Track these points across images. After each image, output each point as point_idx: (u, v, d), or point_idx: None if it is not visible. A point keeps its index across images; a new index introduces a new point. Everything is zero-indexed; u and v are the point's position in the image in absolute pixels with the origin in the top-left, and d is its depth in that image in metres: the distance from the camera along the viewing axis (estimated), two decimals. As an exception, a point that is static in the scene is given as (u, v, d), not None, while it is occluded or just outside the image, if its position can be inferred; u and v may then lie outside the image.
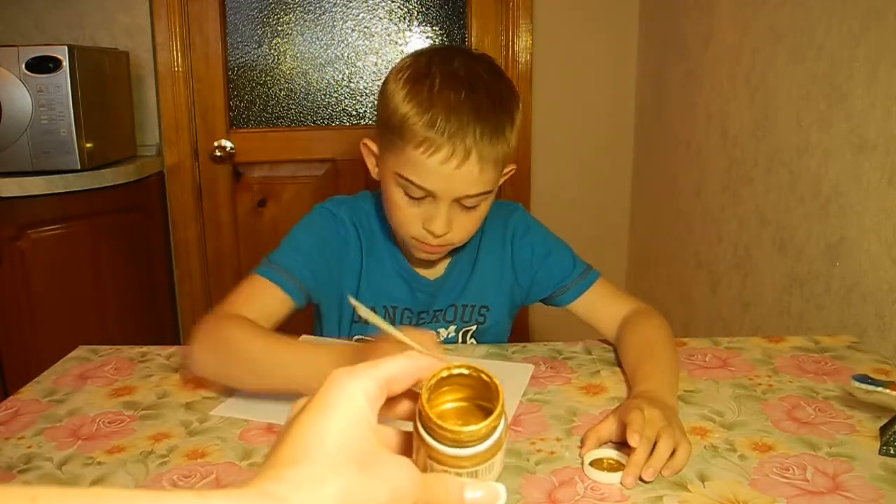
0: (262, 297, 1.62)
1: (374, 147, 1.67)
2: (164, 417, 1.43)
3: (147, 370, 1.66)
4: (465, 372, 0.70)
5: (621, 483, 1.15)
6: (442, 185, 1.53)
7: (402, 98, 1.53)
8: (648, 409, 1.25)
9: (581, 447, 1.27)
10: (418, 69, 1.56)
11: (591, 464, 1.20)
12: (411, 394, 0.73)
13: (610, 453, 1.23)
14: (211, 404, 1.48)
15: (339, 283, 1.75)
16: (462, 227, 1.61)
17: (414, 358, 0.71)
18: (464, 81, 1.53)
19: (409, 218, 1.60)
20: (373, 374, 0.67)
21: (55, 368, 1.68)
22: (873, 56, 1.90)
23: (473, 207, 1.59)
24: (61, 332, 2.95)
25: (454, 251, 1.77)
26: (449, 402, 0.73)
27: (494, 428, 0.67)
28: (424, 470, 0.68)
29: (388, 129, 1.56)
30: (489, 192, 1.58)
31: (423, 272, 1.80)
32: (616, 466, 1.19)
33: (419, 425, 0.68)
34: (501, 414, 0.68)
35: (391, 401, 0.72)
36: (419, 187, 1.54)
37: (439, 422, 0.66)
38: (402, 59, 1.62)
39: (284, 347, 1.45)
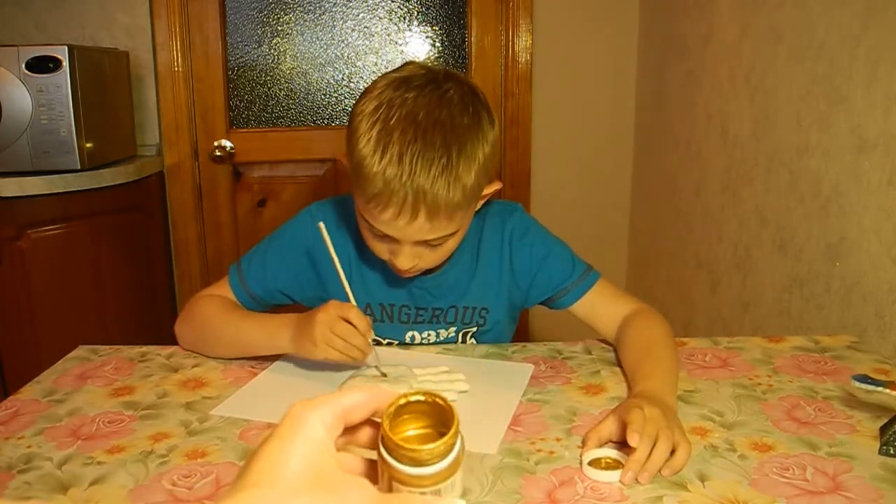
0: (226, 295, 1.81)
1: (349, 169, 1.60)
2: (164, 417, 1.43)
3: (147, 370, 1.66)
4: (422, 398, 0.75)
5: (620, 481, 1.16)
6: (399, 235, 1.52)
7: (361, 138, 1.49)
8: (649, 409, 1.25)
9: (582, 447, 1.27)
10: (380, 106, 1.51)
11: (589, 463, 1.20)
12: (372, 423, 0.77)
13: (609, 452, 1.23)
14: (211, 404, 1.48)
15: (324, 285, 1.76)
16: (430, 259, 1.61)
17: (370, 390, 0.76)
18: (420, 127, 1.47)
19: (376, 248, 1.61)
20: (330, 405, 0.73)
21: (55, 368, 1.68)
22: (873, 56, 1.90)
23: (439, 245, 1.58)
24: (61, 332, 2.95)
25: (455, 260, 1.76)
26: (411, 430, 0.76)
27: (452, 446, 0.72)
28: (389, 493, 0.73)
29: (350, 160, 1.54)
30: (451, 233, 1.56)
31: None
32: (614, 465, 1.19)
33: (382, 449, 0.72)
34: (457, 433, 0.73)
35: (353, 430, 0.78)
36: (378, 231, 1.54)
37: (400, 442, 0.70)
38: (376, 82, 1.57)
39: (245, 318, 1.70)
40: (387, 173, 1.44)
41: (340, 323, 1.47)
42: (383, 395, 0.76)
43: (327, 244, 1.51)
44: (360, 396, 0.75)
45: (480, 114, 1.56)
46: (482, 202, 1.66)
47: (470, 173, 1.49)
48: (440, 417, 0.75)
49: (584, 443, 1.27)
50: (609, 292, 1.78)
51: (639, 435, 1.17)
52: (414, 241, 1.54)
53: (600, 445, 1.27)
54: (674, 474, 1.18)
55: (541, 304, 1.86)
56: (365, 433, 0.78)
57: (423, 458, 0.70)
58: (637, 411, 1.24)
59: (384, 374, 1.52)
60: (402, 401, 0.74)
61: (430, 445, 0.70)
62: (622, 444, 1.24)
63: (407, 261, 1.56)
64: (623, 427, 1.24)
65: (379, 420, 0.74)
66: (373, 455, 0.76)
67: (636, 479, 1.16)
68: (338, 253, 1.52)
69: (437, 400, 0.75)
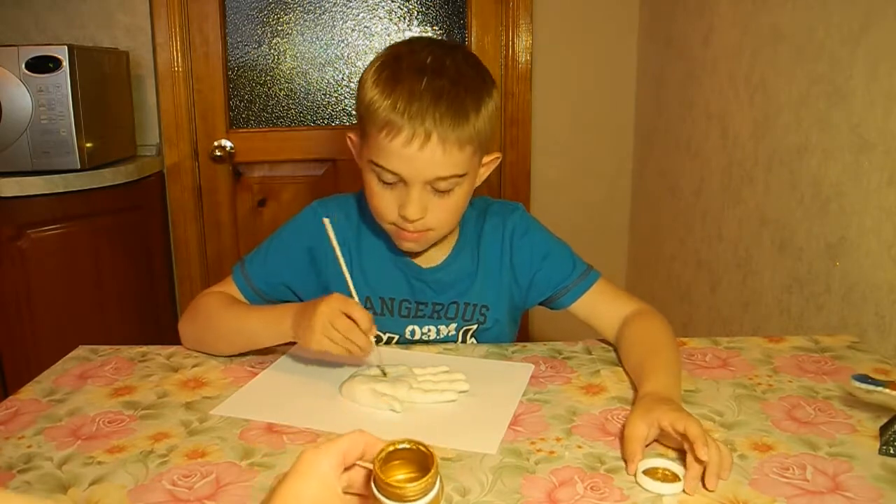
0: (231, 292, 1.81)
1: (355, 137, 1.71)
2: (164, 417, 1.43)
3: (147, 370, 1.66)
4: (407, 446, 0.89)
5: (684, 491, 1.15)
6: (408, 168, 1.54)
7: (370, 84, 1.58)
8: (692, 417, 1.24)
9: (626, 461, 1.24)
10: (388, 58, 1.61)
11: (644, 472, 1.18)
12: (362, 470, 0.93)
13: (662, 462, 1.21)
14: (211, 404, 1.48)
15: (325, 281, 1.77)
16: (437, 213, 1.61)
17: (360, 435, 0.92)
18: (428, 69, 1.57)
19: (385, 204, 1.62)
20: (333, 449, 0.89)
21: (55, 368, 1.68)
22: (873, 56, 1.90)
23: (447, 192, 1.60)
24: (61, 332, 2.95)
25: (455, 255, 1.80)
26: (401, 475, 0.90)
27: (432, 484, 0.86)
28: None
29: (360, 116, 1.62)
30: (461, 175, 1.59)
31: (416, 260, 1.79)
32: (671, 477, 1.18)
33: (374, 488, 0.86)
34: (436, 474, 0.87)
35: (350, 472, 0.93)
36: (388, 171, 1.56)
37: (389, 481, 0.85)
38: (382, 50, 1.66)
39: (246, 311, 1.71)
40: (398, 102, 1.52)
41: (341, 317, 1.47)
42: (371, 440, 0.92)
43: (331, 238, 1.52)
44: (354, 438, 0.91)
45: (484, 73, 1.67)
46: (484, 170, 1.72)
47: (477, 109, 1.57)
48: (423, 462, 0.89)
49: (626, 455, 1.25)
50: (609, 292, 1.78)
51: (705, 448, 1.16)
52: (424, 179, 1.55)
53: (643, 449, 1.25)
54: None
55: (541, 304, 1.86)
56: (360, 476, 0.93)
57: (407, 495, 0.85)
58: (693, 424, 1.21)
59: (385, 374, 1.53)
60: (391, 448, 0.89)
61: (413, 484, 0.85)
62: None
63: (416, 208, 1.57)
64: (657, 429, 1.25)
65: (370, 466, 0.88)
66: (366, 494, 0.93)
67: (703, 486, 1.16)
68: (340, 247, 1.52)
69: (420, 447, 0.89)
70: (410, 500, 0.85)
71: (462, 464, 1.24)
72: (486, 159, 1.69)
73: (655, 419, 1.26)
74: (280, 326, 1.59)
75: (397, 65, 1.58)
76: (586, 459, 1.25)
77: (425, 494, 0.86)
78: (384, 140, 1.53)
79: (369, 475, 0.90)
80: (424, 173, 1.55)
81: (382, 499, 0.85)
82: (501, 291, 1.82)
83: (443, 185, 1.58)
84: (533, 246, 1.81)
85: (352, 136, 1.73)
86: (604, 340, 1.77)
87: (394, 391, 1.45)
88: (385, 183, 1.59)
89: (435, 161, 1.53)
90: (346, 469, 0.92)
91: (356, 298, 1.53)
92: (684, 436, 1.20)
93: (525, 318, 3.69)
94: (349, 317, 1.47)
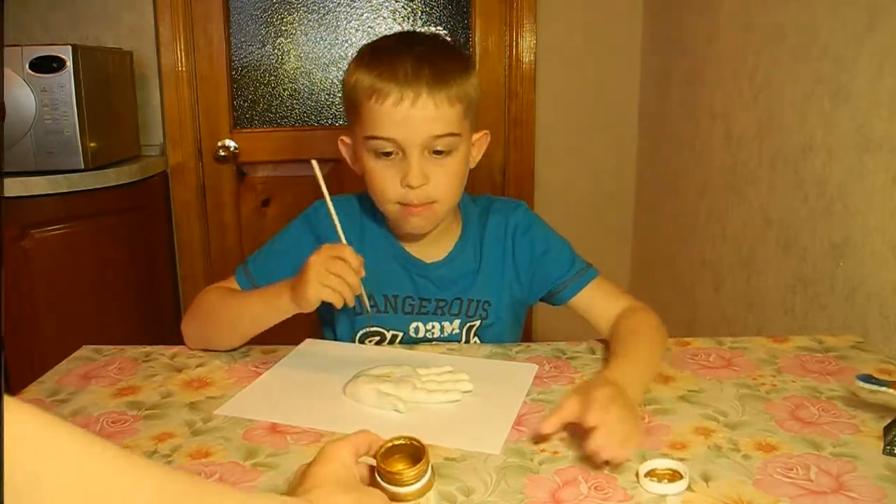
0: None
1: (347, 139, 1.76)
2: (168, 417, 1.44)
3: (151, 370, 1.66)
4: (403, 442, 1.04)
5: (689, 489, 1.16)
6: (402, 130, 1.58)
7: (352, 70, 1.65)
8: (608, 388, 1.29)
9: (540, 436, 1.30)
10: (365, 48, 1.70)
11: (646, 475, 1.18)
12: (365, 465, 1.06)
13: (664, 462, 1.21)
14: (215, 404, 1.49)
15: None
16: (438, 181, 1.63)
17: (368, 433, 1.06)
18: (406, 41, 1.67)
19: (387, 181, 1.64)
20: (349, 441, 1.03)
21: (59, 368, 1.68)
22: (878, 55, 1.89)
23: (445, 154, 1.63)
24: (65, 332, 2.95)
25: (458, 251, 1.82)
26: (399, 465, 1.03)
27: (424, 472, 1.01)
28: None
29: (348, 102, 1.68)
30: (456, 134, 1.62)
31: (418, 254, 1.81)
32: (674, 476, 1.18)
33: (378, 477, 1.02)
34: (427, 462, 1.02)
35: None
36: (384, 139, 1.59)
37: (389, 469, 1.01)
38: None
39: (245, 296, 1.73)
40: (383, 71, 1.59)
41: (335, 260, 1.50)
42: (374, 439, 1.06)
43: (319, 180, 1.55)
44: (364, 436, 1.05)
45: (461, 51, 1.79)
46: (476, 151, 1.76)
47: (462, 71, 1.64)
48: (417, 454, 1.03)
49: (539, 430, 1.29)
50: (607, 289, 1.80)
51: (595, 412, 1.20)
52: (420, 140, 1.59)
53: (563, 427, 1.29)
54: (618, 465, 1.21)
55: (542, 300, 1.87)
56: (363, 469, 1.05)
57: (404, 479, 1.00)
58: (601, 390, 1.27)
59: (372, 308, 1.68)
60: (390, 444, 1.04)
61: (408, 471, 1.00)
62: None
63: (416, 172, 1.60)
64: (584, 407, 1.26)
65: (372, 461, 1.03)
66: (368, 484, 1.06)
67: (604, 460, 1.19)
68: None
69: (414, 442, 1.04)
70: (407, 485, 1.00)
71: (466, 464, 1.24)
72: (475, 136, 1.73)
73: (590, 397, 1.27)
74: (279, 300, 1.60)
75: (374, 48, 1.68)
76: (590, 460, 1.23)
77: (418, 480, 1.01)
78: (374, 106, 1.58)
79: (372, 469, 1.04)
80: (419, 133, 1.58)
81: (384, 485, 1.01)
82: (503, 287, 1.83)
83: (440, 145, 1.61)
84: (534, 242, 1.82)
85: (343, 137, 1.78)
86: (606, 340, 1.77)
87: (398, 391, 1.45)
88: (384, 155, 1.62)
89: (427, 117, 1.57)
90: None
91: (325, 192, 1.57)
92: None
93: (529, 318, 3.70)
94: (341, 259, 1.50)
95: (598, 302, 1.78)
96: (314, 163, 1.55)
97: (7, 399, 0.65)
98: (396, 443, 1.04)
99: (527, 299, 1.88)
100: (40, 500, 0.65)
